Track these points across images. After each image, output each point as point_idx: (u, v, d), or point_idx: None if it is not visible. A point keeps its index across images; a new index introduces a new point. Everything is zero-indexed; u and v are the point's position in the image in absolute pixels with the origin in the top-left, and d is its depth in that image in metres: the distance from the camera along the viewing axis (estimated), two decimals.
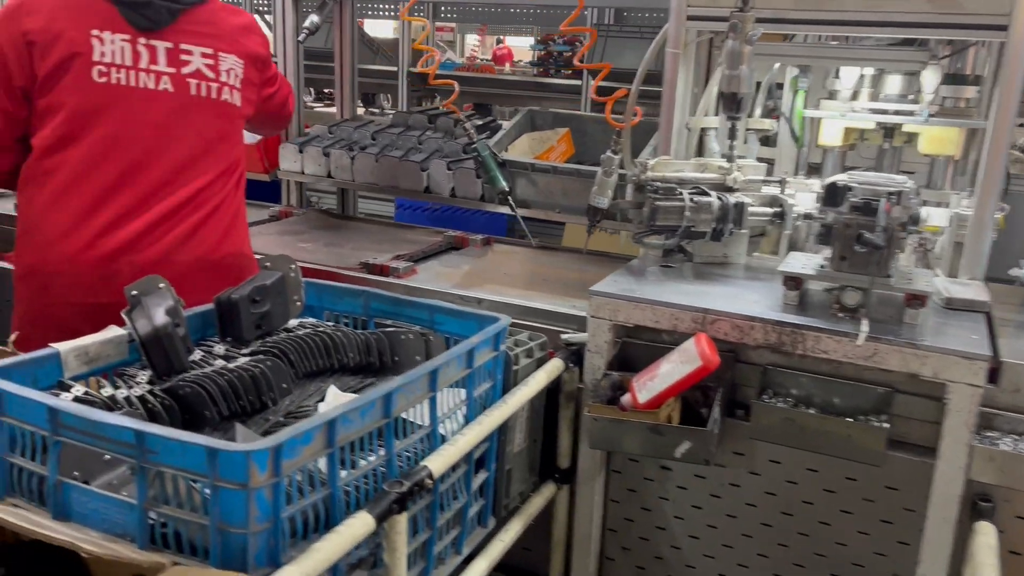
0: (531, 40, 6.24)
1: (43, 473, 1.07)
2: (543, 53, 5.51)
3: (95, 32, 1.76)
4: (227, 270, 1.84)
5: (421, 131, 2.84)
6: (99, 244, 1.74)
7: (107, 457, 1.07)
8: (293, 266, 1.58)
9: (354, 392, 1.47)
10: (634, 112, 2.23)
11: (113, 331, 1.29)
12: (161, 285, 1.33)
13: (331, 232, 2.77)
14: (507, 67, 6.44)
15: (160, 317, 1.21)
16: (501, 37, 7.86)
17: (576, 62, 3.16)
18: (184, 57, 1.83)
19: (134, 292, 1.30)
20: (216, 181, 1.88)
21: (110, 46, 1.77)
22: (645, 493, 1.89)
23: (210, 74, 1.86)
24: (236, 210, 1.94)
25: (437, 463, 1.30)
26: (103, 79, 1.75)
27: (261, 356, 1.37)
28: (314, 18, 2.79)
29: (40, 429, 1.07)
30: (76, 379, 1.23)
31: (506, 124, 2.74)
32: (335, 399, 1.43)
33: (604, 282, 1.85)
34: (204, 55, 1.85)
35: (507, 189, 2.48)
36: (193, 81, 1.83)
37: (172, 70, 1.81)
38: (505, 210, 2.56)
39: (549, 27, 5.81)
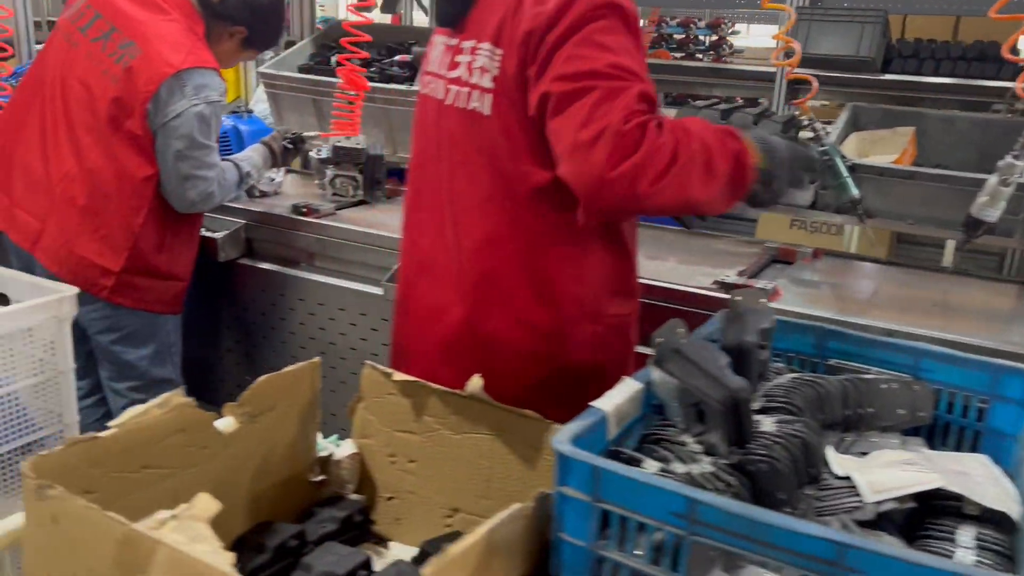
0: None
1: None
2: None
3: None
4: None
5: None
6: None
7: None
8: (763, 300, 1.35)
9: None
10: None
11: (633, 385, 1.08)
12: (680, 329, 1.12)
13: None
14: None
15: (731, 377, 0.99)
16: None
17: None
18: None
19: (659, 339, 1.08)
20: None
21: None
22: None
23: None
24: None
25: None
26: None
27: (790, 417, 1.14)
28: None
29: (665, 524, 0.86)
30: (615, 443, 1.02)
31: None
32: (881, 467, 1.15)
33: None
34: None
35: (859, 197, 2.20)
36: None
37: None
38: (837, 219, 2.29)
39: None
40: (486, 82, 1.45)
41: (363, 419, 1.37)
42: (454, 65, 1.51)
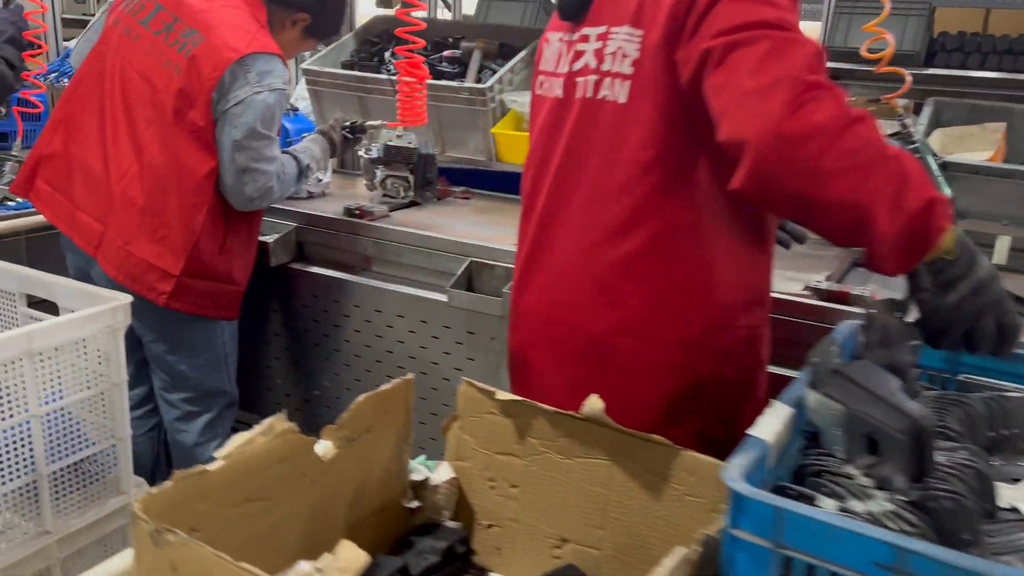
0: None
1: None
2: None
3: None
4: None
5: None
6: None
7: None
8: (899, 313, 1.23)
9: None
10: None
11: (785, 410, 0.97)
12: (834, 347, 1.01)
13: None
14: None
15: (911, 404, 0.87)
16: None
17: None
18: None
19: (815, 359, 0.97)
20: None
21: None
22: None
23: None
24: None
25: None
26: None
27: (952, 443, 1.03)
28: None
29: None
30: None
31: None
32: None
33: None
34: None
35: (951, 196, 2.08)
36: None
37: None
38: None
39: None
40: (625, 68, 1.31)
41: (459, 440, 1.27)
42: (577, 56, 1.39)
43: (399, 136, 2.64)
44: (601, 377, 1.34)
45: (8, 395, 1.54)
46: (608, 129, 1.34)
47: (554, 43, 1.48)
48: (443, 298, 2.17)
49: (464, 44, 3.04)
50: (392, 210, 2.58)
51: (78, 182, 2.05)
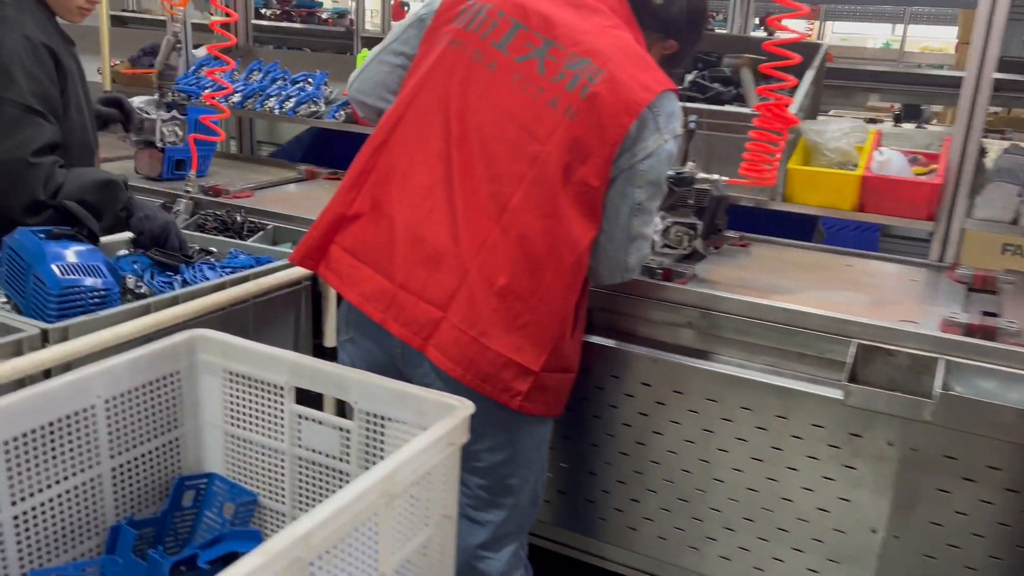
0: None
1: None
2: None
3: None
4: None
5: None
6: None
7: None
8: None
9: None
10: None
11: None
12: None
13: None
14: None
15: None
16: None
17: None
18: None
19: None
20: None
21: None
22: None
23: None
24: None
25: None
26: None
27: None
28: None
29: None
30: None
31: None
32: None
33: None
34: None
35: None
36: None
37: None
38: None
39: None
40: None
41: None
42: None
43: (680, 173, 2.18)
44: None
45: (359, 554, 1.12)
46: None
47: None
48: (837, 395, 1.71)
49: (728, 60, 2.57)
50: (687, 263, 2.12)
51: (402, 253, 1.58)
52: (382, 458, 1.32)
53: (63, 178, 1.83)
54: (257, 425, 1.41)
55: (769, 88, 1.87)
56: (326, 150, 3.74)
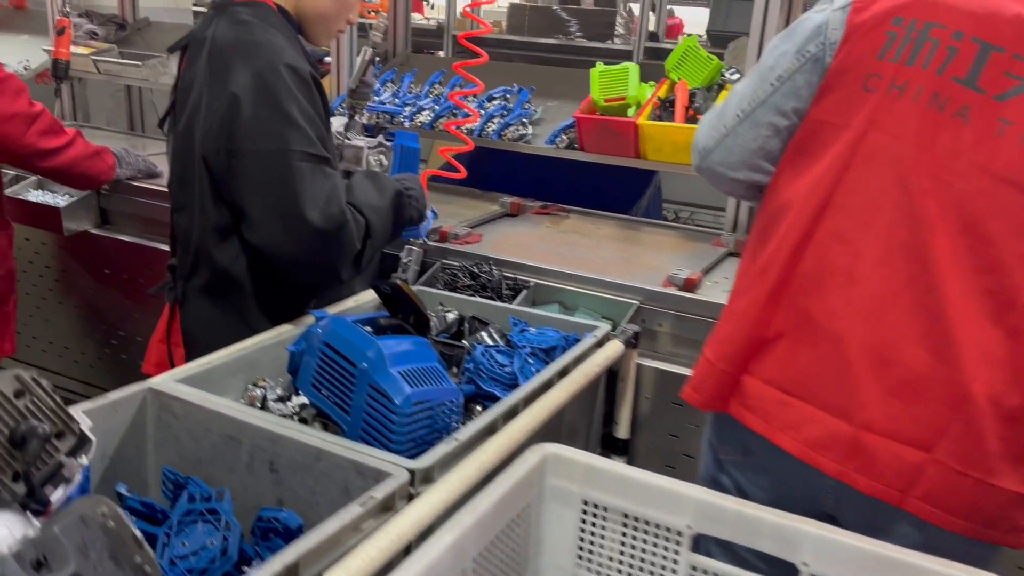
0: None
1: None
2: None
3: None
4: None
5: None
6: None
7: None
8: None
9: None
10: None
11: None
12: None
13: None
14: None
15: None
16: None
17: None
18: None
19: None
20: None
21: None
22: None
23: None
24: None
25: None
26: None
27: None
28: None
29: None
30: None
31: None
32: None
33: None
34: None
35: None
36: None
37: None
38: None
39: None
40: None
41: None
42: None
43: None
44: None
45: None
46: None
47: None
48: None
49: None
50: None
51: (864, 383, 1.14)
52: None
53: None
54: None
55: None
56: (483, 167, 3.22)
